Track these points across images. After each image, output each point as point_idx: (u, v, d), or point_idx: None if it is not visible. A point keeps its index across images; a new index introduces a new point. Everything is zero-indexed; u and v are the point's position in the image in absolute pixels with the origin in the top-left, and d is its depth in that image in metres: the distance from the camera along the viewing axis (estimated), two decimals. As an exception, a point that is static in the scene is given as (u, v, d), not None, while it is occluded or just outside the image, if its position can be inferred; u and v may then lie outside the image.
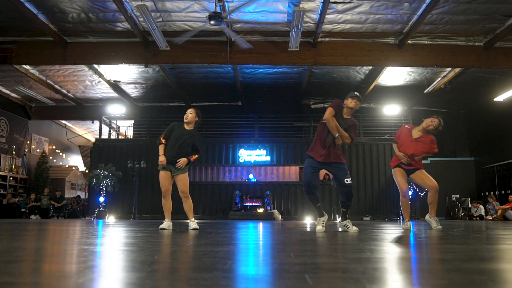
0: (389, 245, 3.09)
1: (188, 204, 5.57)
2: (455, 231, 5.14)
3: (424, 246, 3.10)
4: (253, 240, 3.67)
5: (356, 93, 5.17)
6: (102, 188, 13.36)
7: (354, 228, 4.93)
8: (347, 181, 4.92)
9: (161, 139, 5.57)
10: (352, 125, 5.10)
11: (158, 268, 1.72)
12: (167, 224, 5.48)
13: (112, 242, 3.26)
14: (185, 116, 5.62)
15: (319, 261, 2.04)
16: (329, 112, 5.00)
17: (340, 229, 5.20)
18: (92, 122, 17.77)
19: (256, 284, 1.42)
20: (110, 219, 12.69)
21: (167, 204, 5.60)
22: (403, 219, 5.86)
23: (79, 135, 20.47)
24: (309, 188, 4.99)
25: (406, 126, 6.41)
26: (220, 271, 1.62)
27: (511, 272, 1.71)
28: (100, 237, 3.83)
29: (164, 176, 5.51)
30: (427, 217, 6.07)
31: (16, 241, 3.27)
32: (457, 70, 12.03)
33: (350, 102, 5.06)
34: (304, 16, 9.23)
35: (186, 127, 5.61)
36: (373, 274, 1.58)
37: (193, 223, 5.45)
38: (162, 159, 5.45)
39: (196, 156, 5.59)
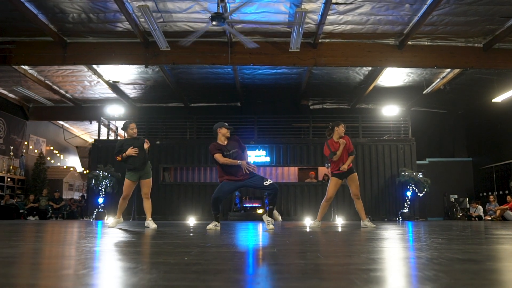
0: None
1: (148, 204, 6.71)
2: (463, 232, 5.16)
3: (436, 247, 3.11)
4: (265, 241, 3.67)
5: (223, 123, 5.92)
6: (101, 189, 13.30)
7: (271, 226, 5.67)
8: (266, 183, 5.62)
9: (118, 158, 6.55)
10: (237, 142, 5.84)
11: (200, 270, 1.71)
12: (117, 221, 6.67)
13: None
14: (133, 132, 6.73)
15: (350, 262, 2.04)
16: (218, 158, 5.68)
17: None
18: (90, 123, 17.70)
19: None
20: (109, 220, 12.63)
21: (125, 205, 6.72)
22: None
23: (77, 135, 20.39)
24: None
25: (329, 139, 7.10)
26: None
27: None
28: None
29: (130, 184, 6.59)
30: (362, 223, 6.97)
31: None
32: (456, 71, 12.08)
33: (220, 132, 5.85)
34: (306, 17, 9.24)
35: (133, 137, 6.73)
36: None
37: (151, 223, 6.46)
38: (130, 151, 6.49)
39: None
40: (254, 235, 4.48)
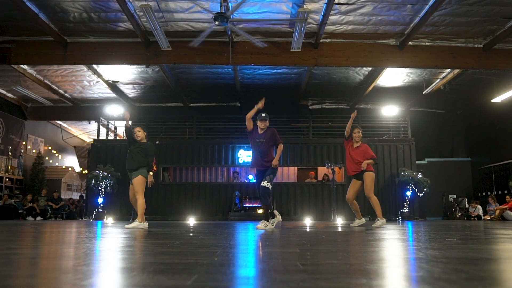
0: (410, 244, 3.11)
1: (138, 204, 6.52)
2: (471, 232, 5.17)
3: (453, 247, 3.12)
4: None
5: (262, 115, 6.28)
6: (101, 189, 13.24)
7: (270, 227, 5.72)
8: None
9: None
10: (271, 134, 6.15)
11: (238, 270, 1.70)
12: (143, 225, 6.47)
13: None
14: (136, 136, 6.65)
15: (383, 262, 2.04)
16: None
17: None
18: (89, 123, 17.61)
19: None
20: (109, 220, 12.59)
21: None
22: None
23: (75, 135, 20.29)
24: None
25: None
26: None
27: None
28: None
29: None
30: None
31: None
32: (456, 71, 12.13)
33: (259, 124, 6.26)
34: (308, 17, 9.24)
35: (137, 143, 6.67)
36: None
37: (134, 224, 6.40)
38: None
39: (153, 170, 6.74)
40: (263, 235, 4.48)
